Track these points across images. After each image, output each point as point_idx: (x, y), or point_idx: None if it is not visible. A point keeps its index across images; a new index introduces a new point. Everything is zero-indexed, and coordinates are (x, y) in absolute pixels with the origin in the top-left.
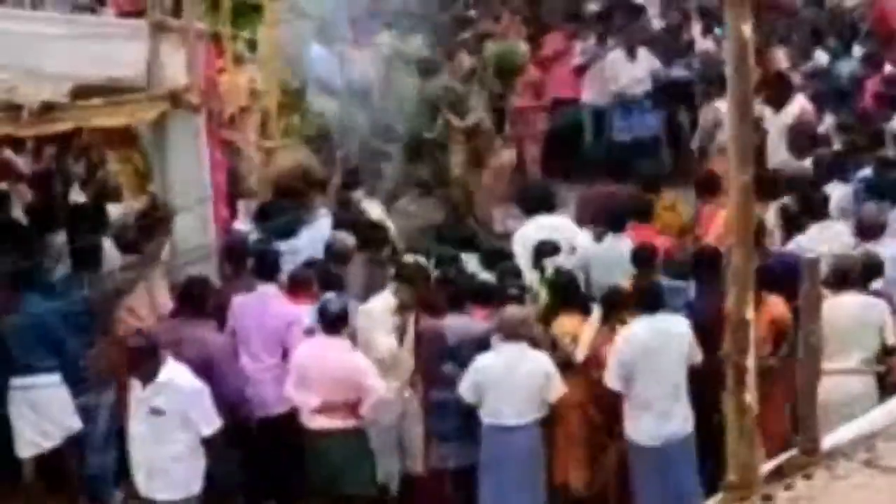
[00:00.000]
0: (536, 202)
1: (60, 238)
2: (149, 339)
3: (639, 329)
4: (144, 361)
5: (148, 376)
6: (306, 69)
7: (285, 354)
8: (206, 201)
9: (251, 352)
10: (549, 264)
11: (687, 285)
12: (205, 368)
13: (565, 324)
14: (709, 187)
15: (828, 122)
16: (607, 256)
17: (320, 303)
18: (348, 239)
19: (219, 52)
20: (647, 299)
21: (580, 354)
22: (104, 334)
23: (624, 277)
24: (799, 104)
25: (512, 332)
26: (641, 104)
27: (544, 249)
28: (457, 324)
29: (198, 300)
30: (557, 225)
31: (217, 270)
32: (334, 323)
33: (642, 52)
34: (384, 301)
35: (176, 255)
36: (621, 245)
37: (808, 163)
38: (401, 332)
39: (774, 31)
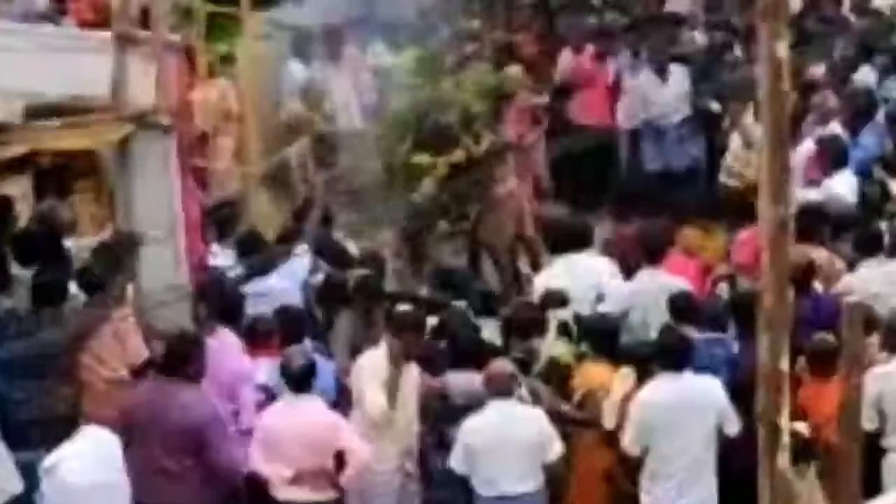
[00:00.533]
0: (564, 238)
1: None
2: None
3: (659, 391)
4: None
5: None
6: (282, 88)
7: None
8: (177, 234)
9: None
10: (554, 318)
11: (727, 337)
12: (192, 438)
13: (593, 374)
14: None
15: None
16: (644, 295)
17: (282, 359)
18: (338, 276)
19: (190, 67)
20: (671, 357)
21: (610, 418)
22: (62, 381)
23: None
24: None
25: (501, 388)
26: (677, 130)
27: (550, 300)
28: (460, 382)
29: (183, 360)
30: (588, 266)
31: (191, 313)
32: (300, 380)
33: (676, 72)
34: (378, 354)
35: (143, 295)
36: (658, 280)
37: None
38: (392, 390)
39: (812, 46)
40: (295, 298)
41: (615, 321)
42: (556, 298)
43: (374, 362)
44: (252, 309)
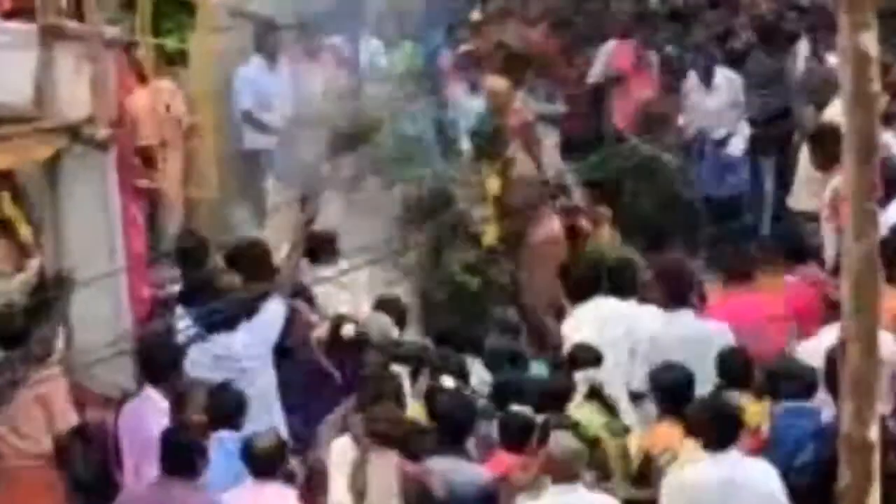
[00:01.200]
0: (596, 277)
1: None
2: None
3: (696, 473)
4: None
5: None
6: (233, 90)
7: None
8: (117, 273)
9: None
10: (584, 381)
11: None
12: None
13: (660, 436)
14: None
15: None
16: (693, 345)
17: (245, 439)
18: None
19: (133, 67)
20: (713, 431)
21: None
22: None
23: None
24: None
25: (565, 472)
26: (724, 150)
27: (580, 358)
28: (445, 469)
29: (186, 455)
30: (620, 311)
31: (133, 372)
32: (265, 465)
33: (723, 76)
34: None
35: (74, 349)
36: (707, 328)
37: None
38: (357, 483)
39: None
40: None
41: (688, 373)
42: (587, 356)
43: (340, 446)
44: (213, 373)
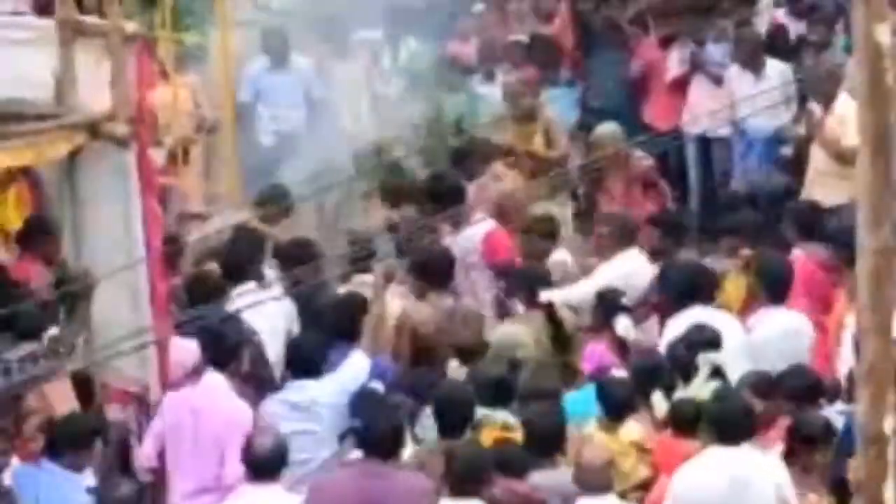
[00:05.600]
0: (689, 285)
1: None
2: None
3: (698, 471)
4: None
5: None
6: (248, 86)
7: None
8: (137, 270)
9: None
10: (705, 362)
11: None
12: None
13: None
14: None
15: None
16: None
17: (247, 438)
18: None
19: (155, 63)
20: (727, 426)
21: None
22: None
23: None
24: None
25: (597, 482)
26: (773, 142)
27: (698, 340)
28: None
29: (394, 438)
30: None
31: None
32: (266, 467)
33: (775, 65)
34: None
35: (95, 345)
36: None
37: None
38: None
39: None
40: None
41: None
42: (705, 337)
43: None
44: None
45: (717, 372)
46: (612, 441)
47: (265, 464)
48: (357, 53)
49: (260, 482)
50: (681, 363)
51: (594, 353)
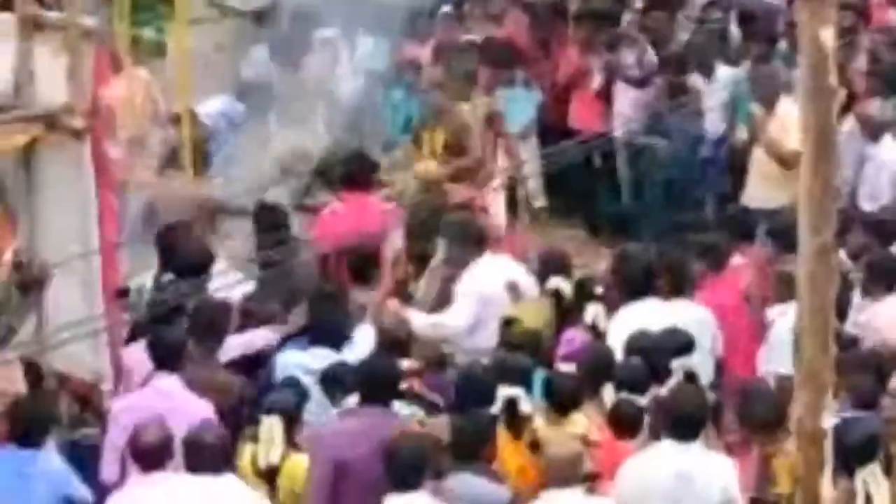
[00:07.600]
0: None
1: None
2: None
3: (646, 463)
4: None
5: None
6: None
7: None
8: (91, 259)
9: None
10: (679, 367)
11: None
12: None
13: None
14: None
15: None
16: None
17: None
18: None
19: (110, 57)
20: (678, 422)
21: None
22: None
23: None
24: None
25: (563, 475)
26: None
27: (671, 345)
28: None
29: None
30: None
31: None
32: (152, 457)
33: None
34: None
35: (46, 332)
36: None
37: None
38: None
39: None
40: None
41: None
42: (680, 342)
43: None
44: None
45: (690, 376)
46: (556, 434)
47: (152, 454)
48: (319, 52)
49: (148, 473)
50: (656, 366)
51: (573, 339)
